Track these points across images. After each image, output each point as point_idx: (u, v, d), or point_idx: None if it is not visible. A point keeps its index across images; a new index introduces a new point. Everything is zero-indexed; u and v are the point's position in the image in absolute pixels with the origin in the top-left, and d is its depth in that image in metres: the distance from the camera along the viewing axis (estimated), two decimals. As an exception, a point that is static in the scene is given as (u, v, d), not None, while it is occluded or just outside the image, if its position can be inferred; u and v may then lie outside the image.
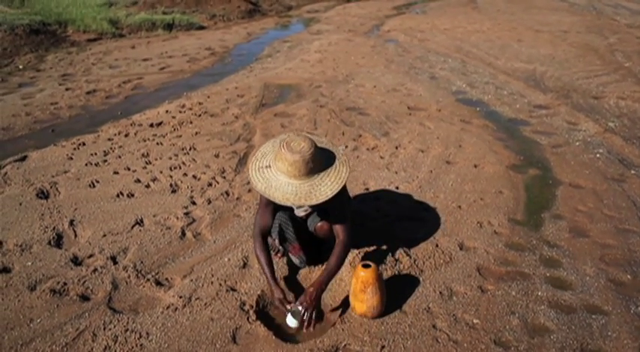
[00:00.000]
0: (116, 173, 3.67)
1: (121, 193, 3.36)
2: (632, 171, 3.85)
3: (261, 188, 2.15)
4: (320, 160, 2.15)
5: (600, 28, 11.22)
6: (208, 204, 3.23)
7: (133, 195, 3.34)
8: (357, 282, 2.23)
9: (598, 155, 4.17)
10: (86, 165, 3.81)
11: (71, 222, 3.00)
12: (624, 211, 3.26)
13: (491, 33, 10.40)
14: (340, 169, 2.21)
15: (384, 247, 2.77)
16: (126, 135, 4.41)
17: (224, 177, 3.61)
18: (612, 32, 10.58)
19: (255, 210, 3.12)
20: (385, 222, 3.04)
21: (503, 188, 3.54)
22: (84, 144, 4.22)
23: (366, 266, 2.25)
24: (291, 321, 2.15)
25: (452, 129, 4.64)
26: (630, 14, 14.00)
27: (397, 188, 3.49)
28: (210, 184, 3.51)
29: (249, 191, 3.39)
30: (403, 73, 6.83)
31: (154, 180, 3.56)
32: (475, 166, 3.87)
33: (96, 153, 4.02)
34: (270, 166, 2.19)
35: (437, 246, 2.82)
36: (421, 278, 2.54)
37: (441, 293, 2.43)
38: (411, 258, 2.69)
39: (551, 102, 5.60)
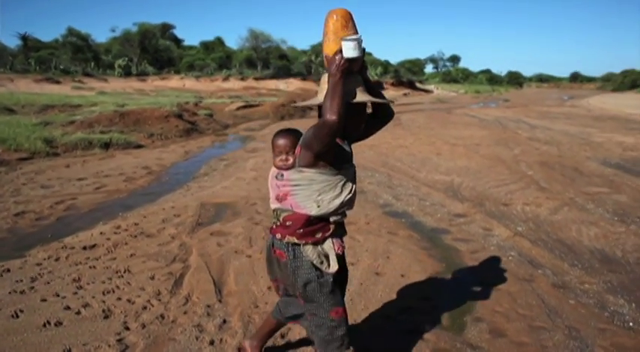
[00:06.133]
0: (44, 300, 3.55)
1: (48, 322, 3.24)
2: (539, 271, 4.27)
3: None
4: None
5: (506, 140, 12.74)
6: (142, 328, 3.19)
7: (61, 324, 3.23)
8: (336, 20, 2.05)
9: (510, 257, 4.60)
10: (9, 293, 3.66)
11: (-10, 359, 2.85)
12: (535, 309, 3.58)
13: (414, 147, 11.48)
14: None
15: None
16: (56, 259, 4.32)
17: (159, 300, 3.60)
18: (516, 144, 12.04)
19: (190, 332, 3.13)
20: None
21: (428, 295, 3.79)
22: (8, 270, 4.08)
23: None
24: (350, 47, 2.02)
25: (380, 241, 4.96)
26: (529, 128, 16.06)
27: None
28: (144, 307, 3.47)
29: (185, 313, 3.40)
30: (334, 187, 7.28)
31: (85, 305, 3.48)
32: (402, 276, 4.13)
33: (22, 280, 3.89)
34: None
35: (369, 357, 2.93)
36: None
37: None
38: (344, 371, 2.77)
39: (468, 210, 6.18)
